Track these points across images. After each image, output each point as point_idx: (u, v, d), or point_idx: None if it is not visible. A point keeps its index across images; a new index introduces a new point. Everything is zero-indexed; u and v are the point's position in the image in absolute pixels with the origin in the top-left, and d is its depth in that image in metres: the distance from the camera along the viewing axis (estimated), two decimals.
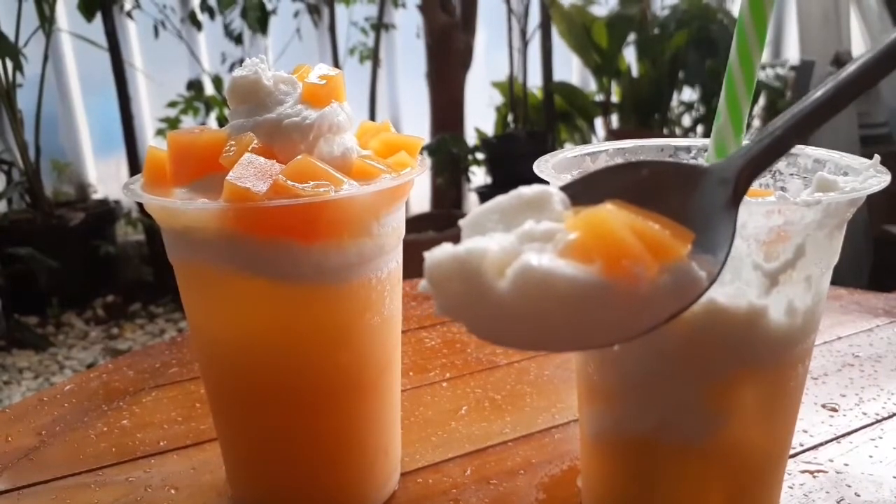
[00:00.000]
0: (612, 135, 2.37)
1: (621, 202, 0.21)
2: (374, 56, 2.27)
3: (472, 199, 2.48)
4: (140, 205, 0.35)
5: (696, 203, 0.23)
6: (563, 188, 0.24)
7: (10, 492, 0.42)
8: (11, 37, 1.99)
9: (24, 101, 2.08)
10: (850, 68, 0.22)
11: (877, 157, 0.31)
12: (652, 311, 0.20)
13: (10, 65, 2.01)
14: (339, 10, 2.34)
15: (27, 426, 0.49)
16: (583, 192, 0.23)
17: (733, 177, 0.23)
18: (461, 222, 0.23)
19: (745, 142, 0.28)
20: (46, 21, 2.00)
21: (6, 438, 0.48)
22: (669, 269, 0.20)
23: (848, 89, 0.22)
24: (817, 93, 0.22)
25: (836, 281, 0.33)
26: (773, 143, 0.23)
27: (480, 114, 2.48)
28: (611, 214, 0.21)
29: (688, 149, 0.36)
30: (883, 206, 1.87)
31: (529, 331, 0.20)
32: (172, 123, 2.10)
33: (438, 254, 0.20)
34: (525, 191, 0.23)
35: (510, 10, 2.37)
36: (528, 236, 0.21)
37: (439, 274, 0.20)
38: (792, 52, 2.60)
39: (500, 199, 0.23)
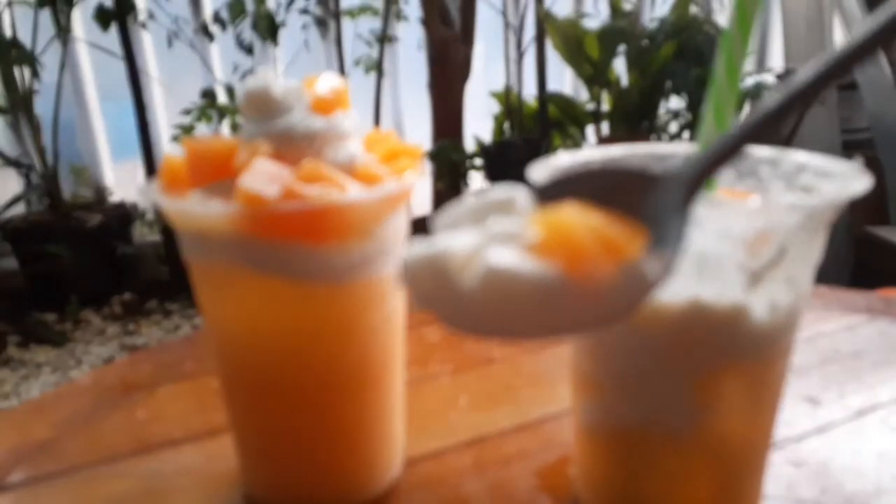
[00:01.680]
0: (603, 142, 2.42)
1: (585, 203, 0.22)
2: (378, 67, 2.33)
3: None
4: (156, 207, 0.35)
5: (654, 204, 0.23)
6: (534, 190, 0.25)
7: (26, 483, 0.42)
8: (28, 45, 2.05)
9: (42, 107, 2.14)
10: (799, 75, 0.23)
11: (858, 160, 0.31)
12: (608, 305, 0.21)
13: (27, 72, 2.07)
14: (345, 23, 2.40)
15: (44, 419, 0.49)
16: (552, 193, 0.24)
17: (687, 179, 0.23)
18: (436, 222, 0.24)
19: None
20: (62, 30, 2.06)
21: (24, 432, 0.48)
22: (624, 267, 0.21)
23: (794, 95, 0.23)
24: (769, 100, 0.23)
25: (819, 279, 0.32)
26: (725, 147, 0.23)
27: (479, 122, 2.54)
28: (572, 215, 0.21)
29: (673, 155, 0.35)
30: (864, 208, 1.92)
31: (494, 323, 0.21)
32: (187, 130, 2.15)
33: (412, 253, 0.21)
34: (494, 192, 0.24)
35: (507, 24, 2.45)
36: (493, 236, 0.21)
37: (413, 272, 0.21)
38: (776, 61, 2.66)
39: (470, 201, 0.24)
